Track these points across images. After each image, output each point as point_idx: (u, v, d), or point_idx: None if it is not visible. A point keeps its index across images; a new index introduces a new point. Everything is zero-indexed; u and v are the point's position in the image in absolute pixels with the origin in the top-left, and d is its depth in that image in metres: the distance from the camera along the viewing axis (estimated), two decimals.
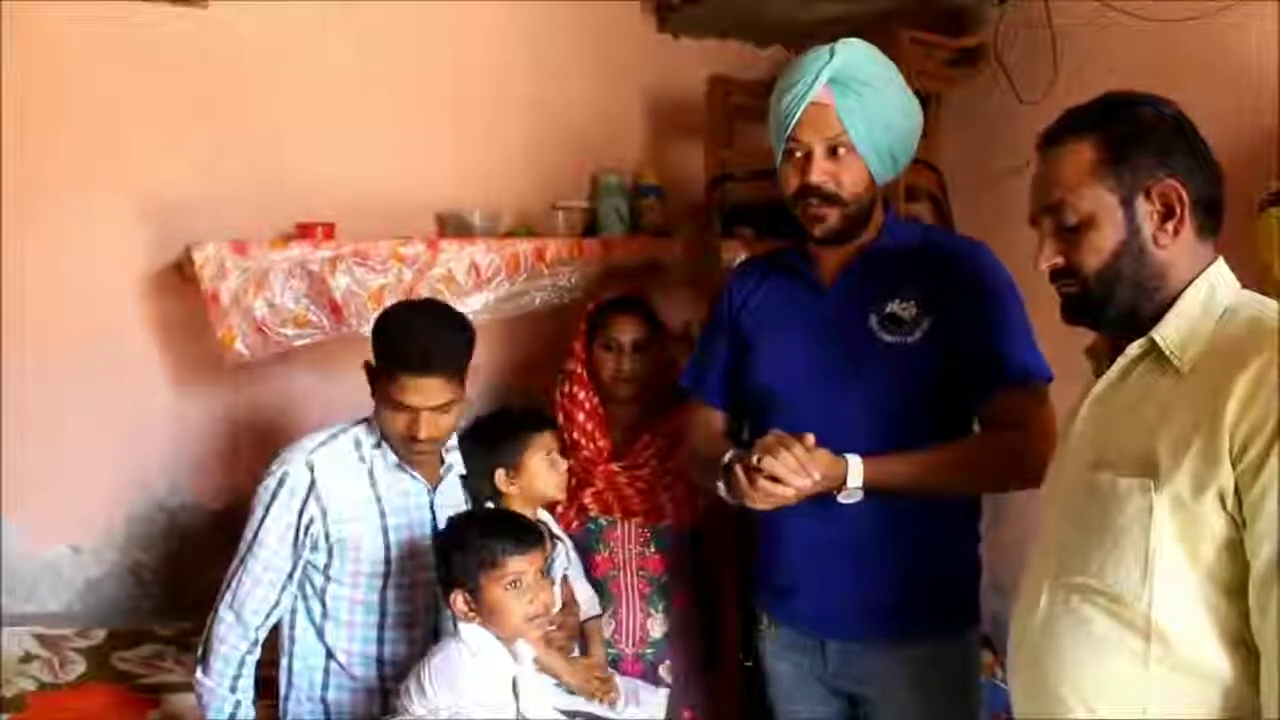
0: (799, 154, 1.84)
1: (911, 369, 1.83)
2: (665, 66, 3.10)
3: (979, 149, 2.79)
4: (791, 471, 1.69)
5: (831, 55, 1.81)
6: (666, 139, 3.12)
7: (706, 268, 2.80)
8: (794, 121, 1.81)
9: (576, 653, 2.12)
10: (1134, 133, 1.32)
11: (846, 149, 1.81)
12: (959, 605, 1.94)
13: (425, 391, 1.91)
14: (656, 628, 2.33)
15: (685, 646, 2.39)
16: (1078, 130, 1.35)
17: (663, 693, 2.21)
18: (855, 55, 1.83)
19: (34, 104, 2.51)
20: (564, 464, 2.20)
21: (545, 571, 1.88)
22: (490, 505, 2.11)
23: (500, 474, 2.13)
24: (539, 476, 2.15)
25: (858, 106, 1.80)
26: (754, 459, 1.72)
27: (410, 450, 1.97)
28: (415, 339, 1.91)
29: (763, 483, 1.71)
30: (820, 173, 1.82)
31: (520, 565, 1.79)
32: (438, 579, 1.87)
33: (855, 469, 1.74)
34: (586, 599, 2.21)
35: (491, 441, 2.16)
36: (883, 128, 1.83)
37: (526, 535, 1.84)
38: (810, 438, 1.72)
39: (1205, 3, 2.18)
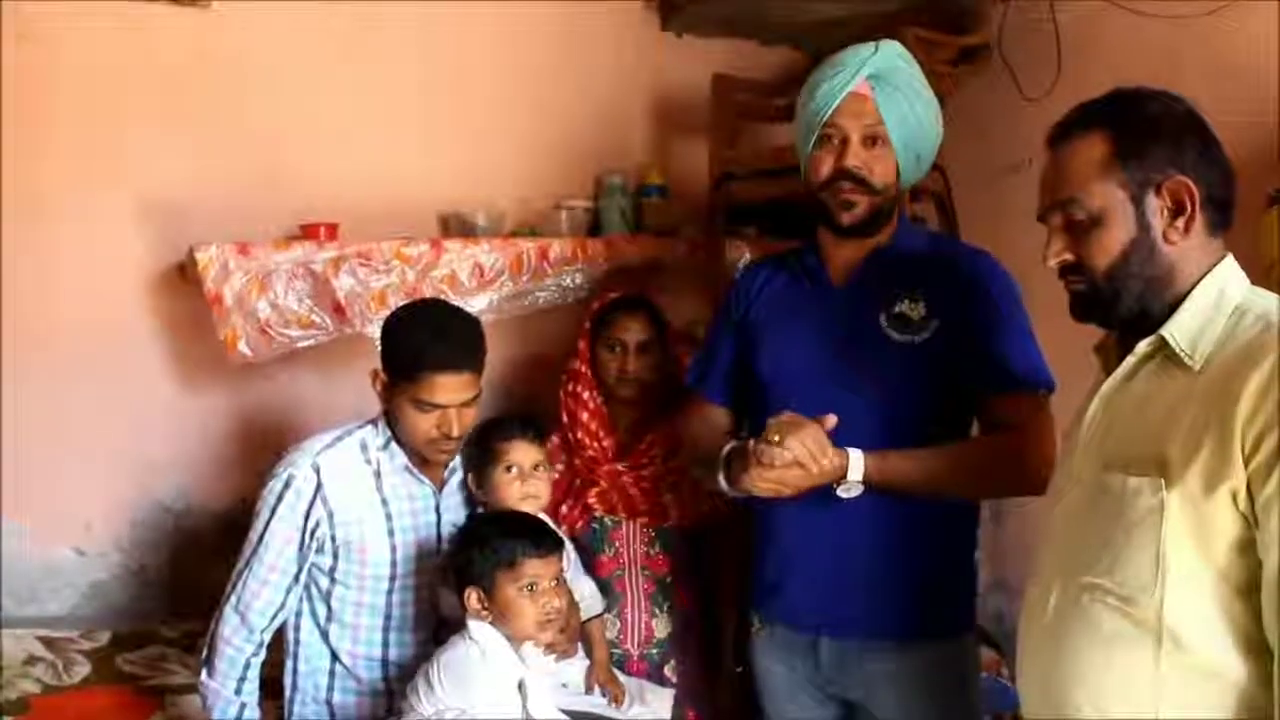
0: (835, 139, 1.86)
1: (918, 368, 1.84)
2: (669, 66, 3.10)
3: (982, 147, 2.79)
4: (810, 455, 1.68)
5: (875, 51, 1.85)
6: (670, 138, 3.12)
7: (710, 267, 2.80)
8: (832, 109, 1.84)
9: (580, 654, 2.11)
10: (1145, 129, 1.31)
11: (882, 141, 1.85)
12: (954, 611, 1.92)
13: (456, 388, 1.91)
14: (661, 627, 2.32)
15: (690, 647, 2.37)
16: (1088, 125, 1.34)
17: (668, 693, 2.20)
18: (894, 56, 1.87)
19: (37, 104, 2.51)
20: (536, 481, 2.03)
21: (561, 578, 1.87)
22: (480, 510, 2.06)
23: (470, 478, 2.07)
24: (499, 491, 2.03)
25: (894, 102, 1.85)
26: (772, 436, 1.69)
27: (438, 450, 1.97)
28: (444, 337, 1.92)
29: (772, 463, 1.68)
30: (856, 157, 1.85)
31: (537, 569, 1.79)
32: (454, 574, 1.85)
33: (856, 462, 1.74)
34: (589, 595, 2.17)
35: (469, 447, 2.06)
36: (915, 126, 1.87)
37: (546, 540, 1.84)
38: (831, 419, 1.71)
39: (1209, 1, 2.18)
